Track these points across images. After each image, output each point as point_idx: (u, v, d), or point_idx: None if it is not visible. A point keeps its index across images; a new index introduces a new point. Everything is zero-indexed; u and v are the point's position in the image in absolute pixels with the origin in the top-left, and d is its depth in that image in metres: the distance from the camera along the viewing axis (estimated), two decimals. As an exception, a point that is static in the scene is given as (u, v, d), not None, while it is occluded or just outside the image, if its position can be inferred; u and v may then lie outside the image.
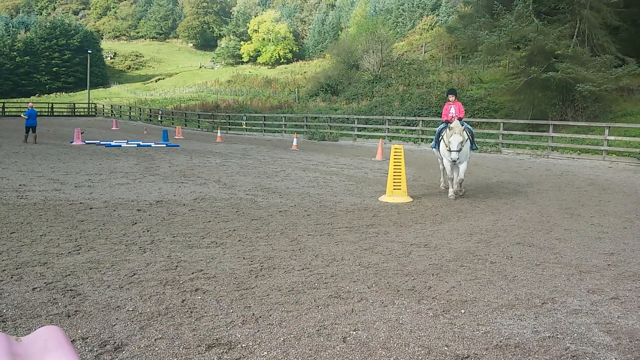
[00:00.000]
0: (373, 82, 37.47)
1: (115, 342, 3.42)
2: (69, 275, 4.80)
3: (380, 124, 27.37)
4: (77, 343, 3.38)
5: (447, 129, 9.93)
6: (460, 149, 9.56)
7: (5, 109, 50.35)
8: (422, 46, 49.08)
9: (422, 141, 24.66)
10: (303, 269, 5.18)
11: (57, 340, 1.22)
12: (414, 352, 3.39)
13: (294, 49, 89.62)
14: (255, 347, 3.41)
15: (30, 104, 24.11)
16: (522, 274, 5.20)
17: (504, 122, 22.04)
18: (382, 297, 4.40)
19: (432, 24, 63.12)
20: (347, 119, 29.94)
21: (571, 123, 20.76)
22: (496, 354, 3.39)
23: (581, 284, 4.91)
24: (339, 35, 72.49)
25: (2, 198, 8.70)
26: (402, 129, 26.80)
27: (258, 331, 3.66)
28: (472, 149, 10.19)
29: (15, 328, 3.59)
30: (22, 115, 22.98)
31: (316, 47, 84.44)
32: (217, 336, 3.56)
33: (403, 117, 27.48)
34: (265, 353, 3.33)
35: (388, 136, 26.12)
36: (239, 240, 6.36)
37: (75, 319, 3.80)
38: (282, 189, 10.80)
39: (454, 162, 9.81)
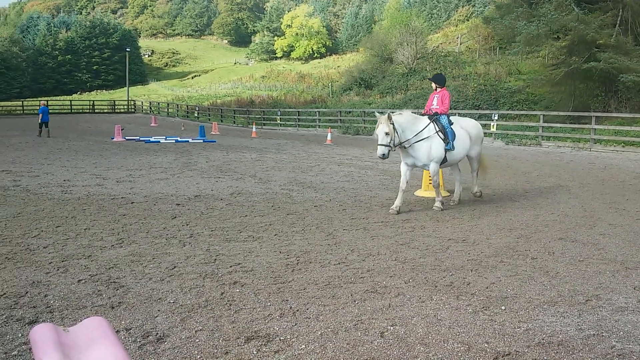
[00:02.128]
0: (407, 75, 37.04)
1: (157, 333, 3.51)
2: (112, 267, 4.94)
3: (415, 118, 27.03)
4: (121, 333, 3.48)
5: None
6: (389, 144, 7.66)
7: (50, 107, 52.12)
8: (457, 38, 48.21)
9: (458, 135, 24.30)
10: (339, 264, 5.19)
11: (103, 330, 1.26)
12: (453, 348, 3.35)
13: (327, 43, 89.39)
14: (293, 340, 3.44)
15: (42, 102, 25.31)
16: (565, 270, 5.07)
17: (543, 114, 21.45)
18: (419, 293, 4.36)
19: (468, 15, 61.83)
20: (382, 112, 29.71)
21: (614, 115, 20.03)
22: (539, 352, 3.32)
23: (627, 281, 4.75)
24: (372, 28, 71.88)
25: (47, 193, 9.03)
26: (438, 123, 26.42)
27: (295, 324, 3.68)
28: (446, 148, 8.09)
29: (62, 319, 3.73)
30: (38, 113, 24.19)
31: (349, 41, 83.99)
32: (255, 328, 3.60)
33: (438, 111, 27.10)
34: (303, 346, 3.35)
35: (423, 130, 25.79)
36: (275, 235, 6.41)
37: (119, 310, 3.92)
38: (317, 183, 10.82)
39: (407, 165, 8.13)
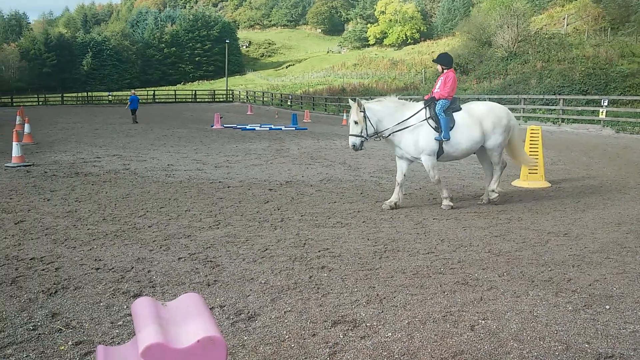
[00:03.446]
0: (507, 59, 35.18)
1: (249, 312, 3.65)
2: (209, 247, 5.21)
3: (514, 104, 25.71)
4: (215, 310, 3.66)
5: None
6: (360, 134, 7.07)
7: (156, 96, 55.86)
8: (564, 19, 44.93)
9: (562, 122, 22.73)
10: (428, 253, 5.08)
11: (198, 306, 1.32)
12: (549, 346, 3.16)
13: (422, 28, 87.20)
14: (379, 327, 3.42)
15: (133, 91, 28.22)
16: (683, 270, 4.58)
17: (662, 100, 19.47)
18: (514, 287, 4.16)
19: (577, -6, 57.35)
20: (477, 99, 28.58)
21: None
22: (648, 357, 3.03)
23: None
24: (470, 11, 68.99)
25: (153, 176, 9.69)
26: (540, 109, 24.91)
27: (382, 312, 3.66)
28: (437, 139, 7.09)
29: (163, 294, 3.99)
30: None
31: (445, 25, 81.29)
32: (342, 313, 3.63)
33: (541, 96, 25.53)
34: (390, 334, 3.32)
35: (523, 116, 24.45)
36: (364, 222, 6.41)
37: (215, 287, 4.12)
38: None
39: (400, 158, 7.40)
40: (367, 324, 3.46)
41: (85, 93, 58.11)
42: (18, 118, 21.49)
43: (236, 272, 4.48)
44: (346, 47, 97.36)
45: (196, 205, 7.26)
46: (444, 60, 7.57)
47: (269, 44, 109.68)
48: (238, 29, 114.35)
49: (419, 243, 5.44)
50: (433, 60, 7.94)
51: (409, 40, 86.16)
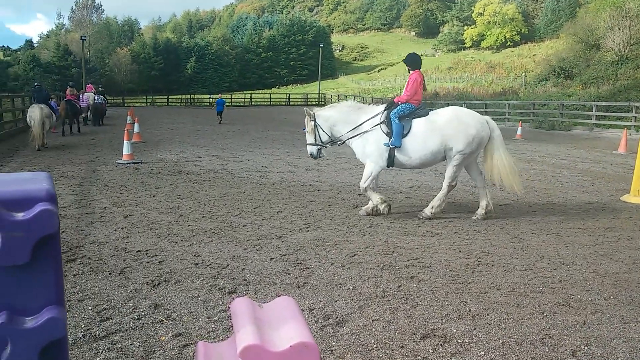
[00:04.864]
0: (617, 64, 32.63)
1: (337, 317, 3.68)
2: (299, 249, 5.32)
3: (625, 112, 23.75)
4: (304, 313, 3.73)
5: None
6: (314, 143, 7.19)
7: (252, 99, 58.04)
8: (687, 18, 40.77)
9: (681, 132, 20.66)
10: (526, 270, 4.82)
11: (292, 310, 1.35)
12: (663, 382, 2.88)
13: (523, 30, 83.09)
14: (471, 345, 3.30)
15: (219, 95, 32.24)
16: None
17: None
18: (622, 312, 3.84)
19: None
20: (583, 105, 26.72)
21: None
22: None
23: None
24: (576, 12, 64.76)
25: (248, 177, 10.07)
26: (655, 118, 22.80)
27: (475, 329, 3.53)
28: (387, 145, 6.81)
29: (256, 292, 4.13)
30: (213, 103, 30.35)
31: (548, 27, 76.89)
32: (432, 327, 3.55)
33: (657, 104, 23.35)
34: (483, 353, 3.19)
35: (635, 126, 22.52)
36: (455, 232, 6.22)
37: (304, 290, 4.19)
38: (504, 181, 10.19)
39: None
40: (459, 341, 3.35)
41: (189, 95, 61.69)
42: (129, 118, 23.27)
43: (325, 276, 4.53)
44: (441, 50, 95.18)
45: (287, 207, 7.44)
46: (409, 60, 7.18)
47: (362, 47, 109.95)
48: (332, 33, 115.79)
49: (515, 258, 5.18)
50: (402, 61, 7.67)
51: (509, 42, 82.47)
